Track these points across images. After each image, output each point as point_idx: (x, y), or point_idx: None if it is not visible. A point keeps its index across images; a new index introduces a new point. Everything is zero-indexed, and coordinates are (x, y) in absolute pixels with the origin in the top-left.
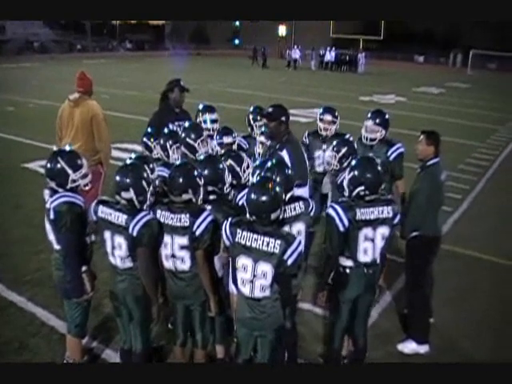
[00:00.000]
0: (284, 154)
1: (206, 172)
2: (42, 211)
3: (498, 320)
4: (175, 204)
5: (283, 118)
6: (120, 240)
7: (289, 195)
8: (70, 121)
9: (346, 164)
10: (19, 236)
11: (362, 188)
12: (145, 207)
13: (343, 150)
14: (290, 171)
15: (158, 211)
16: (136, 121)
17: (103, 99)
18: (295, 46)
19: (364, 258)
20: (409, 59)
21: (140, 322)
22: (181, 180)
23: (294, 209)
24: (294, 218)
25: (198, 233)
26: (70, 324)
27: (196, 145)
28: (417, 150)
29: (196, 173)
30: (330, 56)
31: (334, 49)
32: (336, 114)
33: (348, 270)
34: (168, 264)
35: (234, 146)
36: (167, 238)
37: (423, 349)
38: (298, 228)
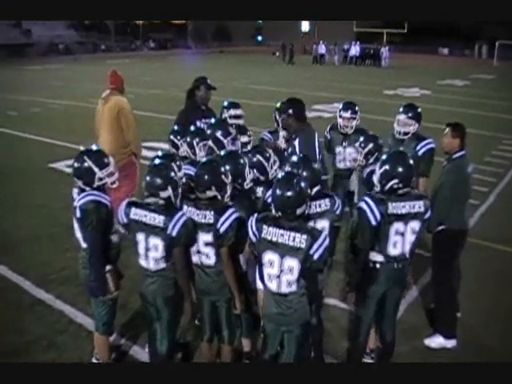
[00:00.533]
0: (296, 143)
1: (226, 167)
2: (68, 210)
3: None
4: (201, 201)
5: (290, 111)
6: (156, 241)
7: (315, 190)
8: (101, 118)
9: (371, 160)
10: (46, 235)
11: (396, 181)
12: (178, 203)
13: (369, 146)
14: (316, 166)
15: (185, 207)
16: (160, 119)
17: (129, 98)
18: (321, 42)
19: (393, 251)
20: (433, 52)
21: (168, 323)
22: (205, 177)
23: (319, 205)
24: (318, 214)
25: (222, 230)
26: (98, 322)
27: (225, 141)
28: (442, 142)
29: (222, 170)
30: (355, 50)
31: (358, 43)
32: (356, 109)
33: (378, 265)
34: (195, 258)
35: (249, 146)
36: None
37: (450, 343)
38: (323, 225)
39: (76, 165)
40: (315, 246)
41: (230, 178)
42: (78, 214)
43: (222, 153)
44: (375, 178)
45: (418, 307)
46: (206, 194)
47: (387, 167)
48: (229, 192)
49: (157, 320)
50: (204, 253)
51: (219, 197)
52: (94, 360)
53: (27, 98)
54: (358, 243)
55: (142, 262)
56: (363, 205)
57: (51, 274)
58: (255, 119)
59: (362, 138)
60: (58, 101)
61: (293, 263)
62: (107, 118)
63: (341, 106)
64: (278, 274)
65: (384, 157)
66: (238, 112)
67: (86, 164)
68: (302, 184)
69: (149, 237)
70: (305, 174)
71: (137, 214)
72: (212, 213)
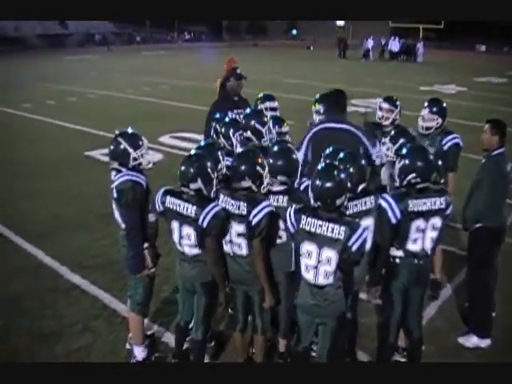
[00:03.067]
0: None
1: (279, 162)
2: (103, 198)
3: None
4: (237, 191)
5: None
6: (189, 231)
7: (360, 187)
8: None
9: None
10: (82, 222)
11: (414, 175)
12: (212, 194)
13: (400, 141)
14: (363, 162)
15: (221, 196)
16: (195, 110)
17: (163, 90)
18: (371, 36)
19: (413, 247)
20: (470, 48)
21: (205, 309)
22: (241, 167)
23: (365, 203)
24: (364, 212)
25: (253, 222)
26: (133, 302)
27: (263, 130)
28: (482, 139)
29: (259, 161)
30: (394, 45)
31: (397, 38)
32: (396, 103)
33: (398, 260)
34: (227, 248)
35: (288, 136)
36: None
37: (484, 343)
38: (367, 223)
39: (112, 147)
40: (354, 238)
41: (266, 169)
42: (115, 194)
43: (276, 148)
44: (395, 173)
45: (453, 306)
46: (240, 184)
47: (406, 161)
48: (265, 183)
49: (193, 305)
50: (236, 243)
51: (254, 188)
52: (127, 346)
53: (64, 88)
54: (378, 240)
55: (179, 248)
56: (383, 203)
57: (86, 261)
58: (288, 112)
59: (392, 133)
60: (95, 90)
61: (331, 254)
62: None
63: (381, 99)
64: (316, 265)
65: (403, 151)
66: (274, 104)
67: (121, 146)
68: (342, 175)
69: (182, 226)
70: (351, 170)
71: (171, 202)
72: (245, 204)
